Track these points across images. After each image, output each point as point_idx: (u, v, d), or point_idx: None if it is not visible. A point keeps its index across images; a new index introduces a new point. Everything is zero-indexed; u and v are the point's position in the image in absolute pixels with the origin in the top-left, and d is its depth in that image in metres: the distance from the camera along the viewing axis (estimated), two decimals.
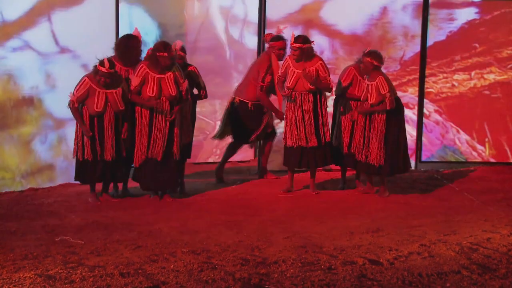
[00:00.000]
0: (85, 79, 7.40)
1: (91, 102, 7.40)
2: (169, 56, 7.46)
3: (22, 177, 8.10)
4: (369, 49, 7.92)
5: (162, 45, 7.52)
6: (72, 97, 7.39)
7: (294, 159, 8.06)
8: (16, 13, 7.93)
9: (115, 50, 7.74)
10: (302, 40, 7.91)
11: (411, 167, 8.29)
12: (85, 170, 7.49)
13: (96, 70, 7.38)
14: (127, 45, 7.76)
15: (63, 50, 8.26)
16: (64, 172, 8.35)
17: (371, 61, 7.77)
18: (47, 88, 8.19)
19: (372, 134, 7.84)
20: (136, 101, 7.55)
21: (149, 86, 7.49)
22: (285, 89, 8.01)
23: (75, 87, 7.39)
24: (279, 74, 8.11)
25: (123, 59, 7.73)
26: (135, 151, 7.58)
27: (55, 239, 6.04)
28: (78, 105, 7.39)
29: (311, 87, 7.90)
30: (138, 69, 7.49)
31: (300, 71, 7.88)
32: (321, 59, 8.04)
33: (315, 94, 7.95)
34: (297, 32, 8.24)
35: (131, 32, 7.89)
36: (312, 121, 7.95)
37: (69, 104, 7.41)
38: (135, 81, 7.49)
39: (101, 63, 7.34)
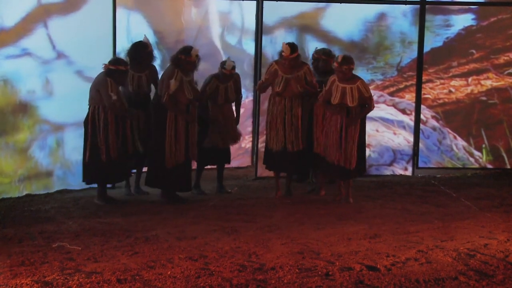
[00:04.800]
0: (109, 80, 7.49)
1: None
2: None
3: (19, 182, 8.07)
4: (341, 57, 7.79)
5: (187, 49, 7.71)
6: (112, 97, 7.46)
7: (278, 162, 8.18)
8: (13, 20, 7.90)
9: (128, 56, 7.94)
10: (294, 50, 7.96)
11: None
12: (112, 169, 7.62)
13: (120, 69, 7.53)
14: (140, 51, 7.95)
15: (60, 56, 8.24)
16: (61, 178, 8.34)
17: (348, 67, 7.74)
18: (44, 94, 8.16)
19: (349, 138, 7.77)
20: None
21: (186, 89, 7.65)
22: (274, 93, 8.09)
23: (108, 90, 7.46)
24: (263, 80, 8.21)
25: (136, 65, 7.92)
26: (169, 155, 7.64)
27: (52, 245, 6.03)
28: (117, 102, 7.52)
29: (300, 90, 7.98)
30: (175, 74, 7.57)
31: (289, 76, 7.98)
32: (307, 64, 8.18)
33: (303, 99, 8.09)
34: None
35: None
36: (299, 125, 8.05)
37: (114, 104, 7.49)
38: (173, 85, 7.56)
39: (121, 60, 7.61)
